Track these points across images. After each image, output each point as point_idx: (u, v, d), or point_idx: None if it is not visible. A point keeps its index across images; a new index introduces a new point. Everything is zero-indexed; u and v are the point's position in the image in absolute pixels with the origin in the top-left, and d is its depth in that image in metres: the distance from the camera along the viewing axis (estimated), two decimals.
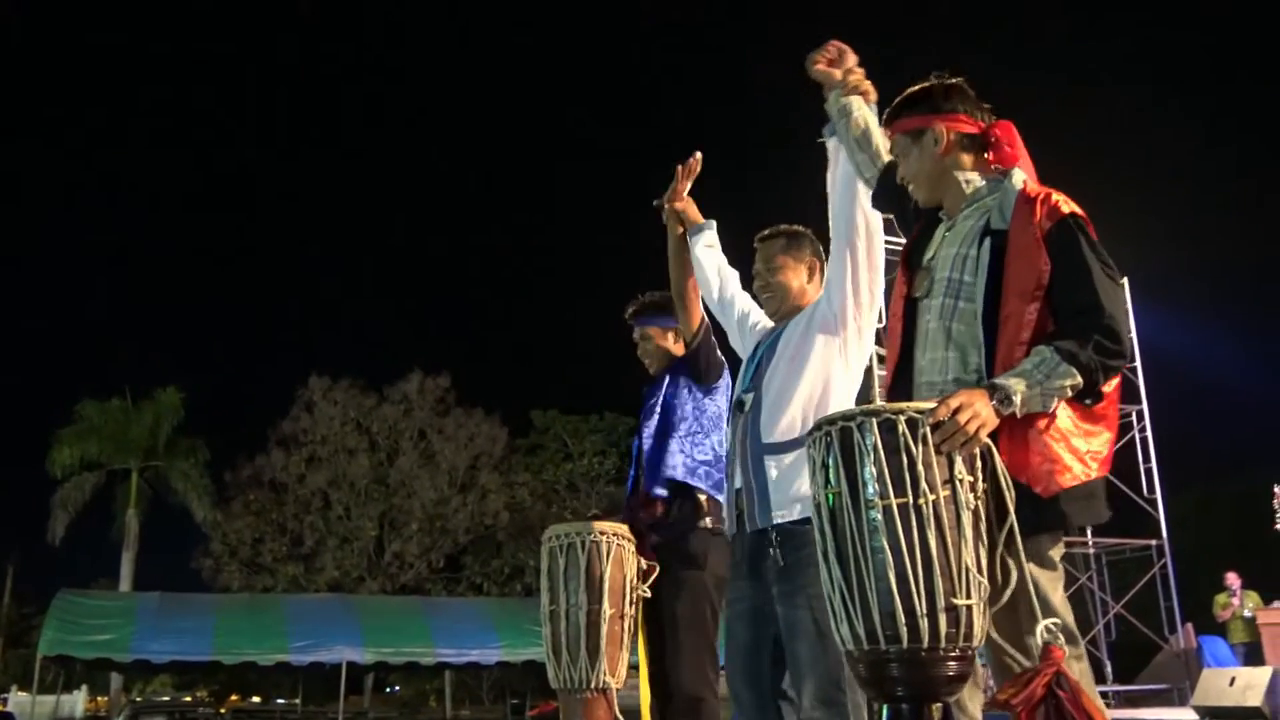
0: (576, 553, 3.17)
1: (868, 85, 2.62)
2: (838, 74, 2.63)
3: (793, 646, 2.52)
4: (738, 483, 2.73)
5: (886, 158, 2.54)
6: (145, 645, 13.04)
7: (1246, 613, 12.16)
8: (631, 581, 3.21)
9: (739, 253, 3.25)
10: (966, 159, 2.25)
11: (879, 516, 1.77)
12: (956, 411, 1.79)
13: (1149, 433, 13.86)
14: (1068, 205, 2.06)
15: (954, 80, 2.27)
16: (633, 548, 3.24)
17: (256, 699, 34.33)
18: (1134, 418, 13.83)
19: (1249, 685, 8.26)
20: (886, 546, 1.75)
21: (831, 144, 2.74)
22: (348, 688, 15.38)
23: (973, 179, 2.24)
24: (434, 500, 24.31)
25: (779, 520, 2.57)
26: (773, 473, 2.62)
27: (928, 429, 1.78)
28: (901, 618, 1.74)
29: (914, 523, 1.75)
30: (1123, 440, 13.61)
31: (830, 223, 2.78)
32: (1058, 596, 1.99)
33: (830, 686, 2.43)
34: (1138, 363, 13.78)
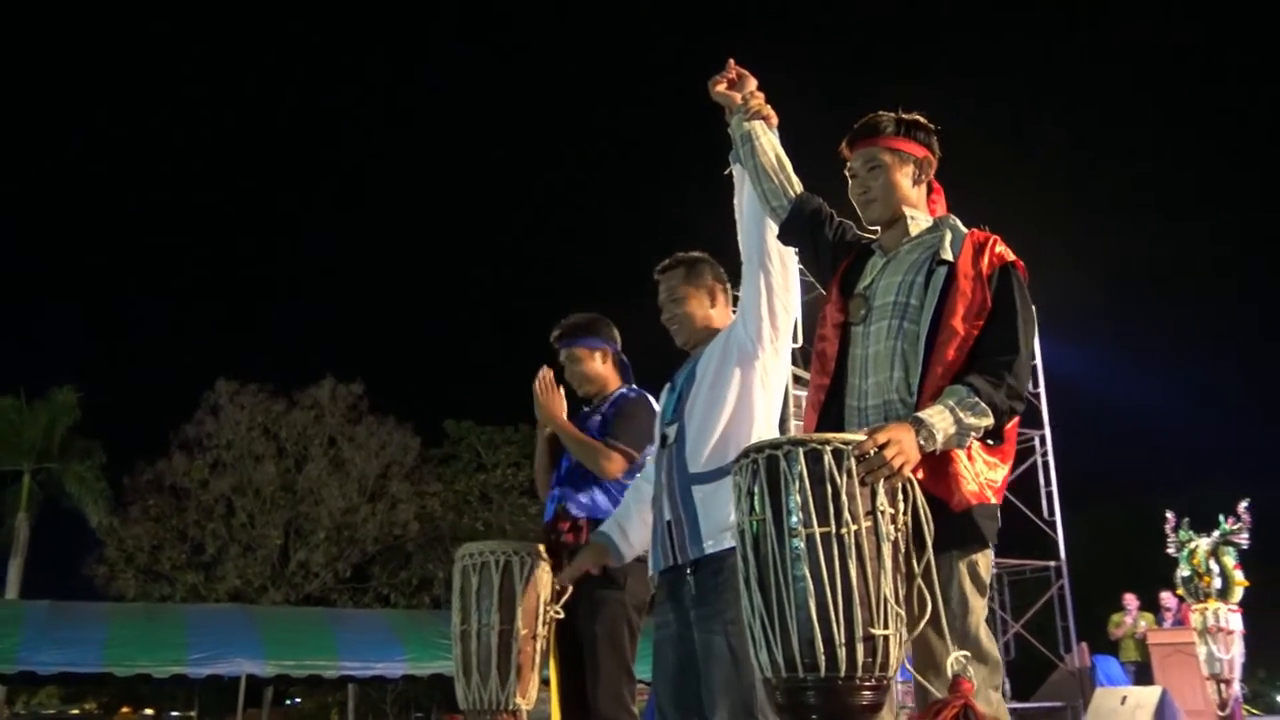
0: (490, 571, 3.12)
1: (769, 110, 2.62)
2: (738, 97, 2.62)
3: (707, 671, 2.53)
4: (666, 515, 2.71)
5: (797, 187, 2.55)
6: (32, 656, 12.46)
7: (1135, 634, 12.61)
8: (546, 601, 3.18)
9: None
10: (922, 198, 2.35)
11: (802, 545, 1.79)
12: (884, 446, 1.82)
13: (1050, 457, 14.28)
14: (1010, 254, 2.18)
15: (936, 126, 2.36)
16: (548, 567, 3.21)
17: (149, 711, 33.17)
18: (1036, 442, 14.24)
19: (1139, 704, 8.55)
20: (808, 575, 1.78)
21: (737, 170, 2.72)
22: (246, 700, 14.94)
23: (918, 216, 2.33)
24: (342, 509, 23.82)
25: (709, 550, 2.57)
26: (701, 503, 2.63)
27: (852, 460, 1.81)
28: (820, 646, 1.76)
29: (836, 552, 1.77)
30: (1025, 464, 14.03)
31: (741, 248, 2.77)
32: (984, 629, 2.06)
33: (743, 713, 2.44)
34: (1041, 388, 14.20)
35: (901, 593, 1.83)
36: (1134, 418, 28.81)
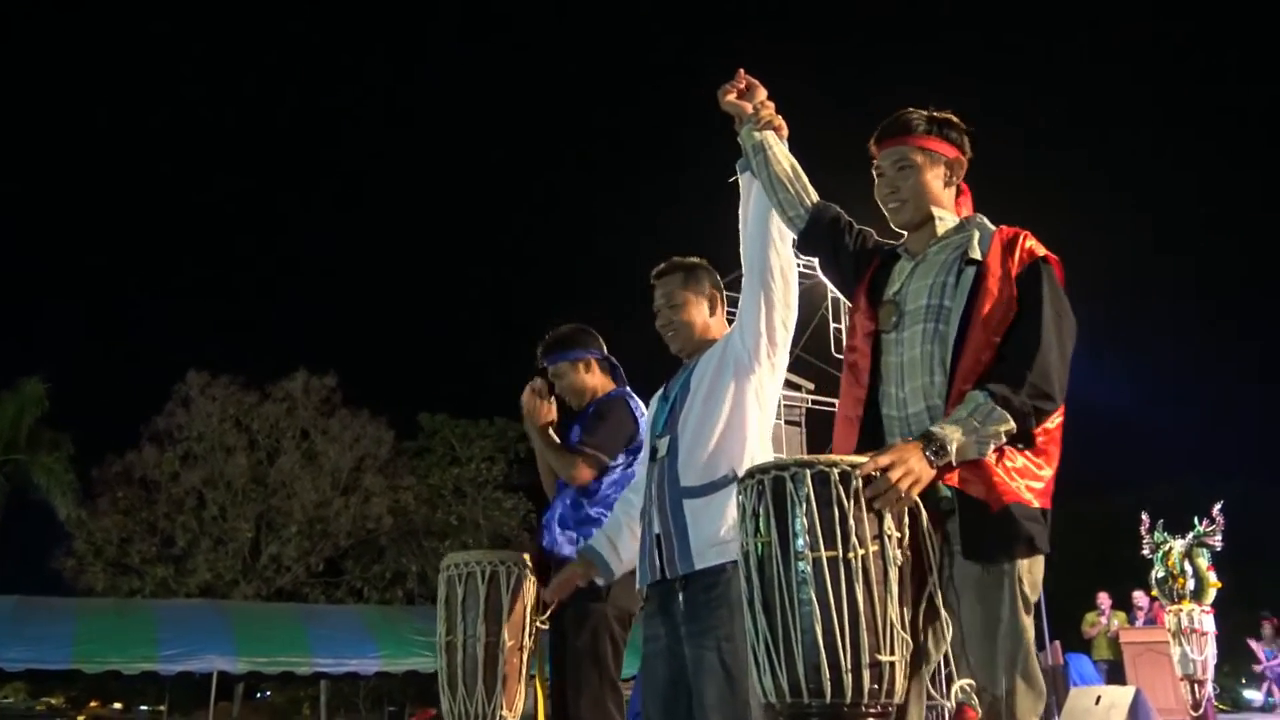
0: (477, 582, 3.09)
1: (779, 120, 2.57)
2: (748, 106, 2.56)
3: (699, 687, 2.49)
4: (656, 528, 2.66)
5: (813, 196, 2.51)
6: None
7: (1109, 633, 12.72)
8: (531, 612, 3.14)
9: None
10: (951, 198, 2.28)
11: (808, 569, 1.75)
12: (888, 469, 1.78)
13: None
14: (1041, 249, 2.10)
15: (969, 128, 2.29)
16: (534, 578, 3.17)
17: (118, 705, 32.84)
18: None
19: (1114, 704, 8.59)
20: (814, 599, 1.74)
21: (744, 179, 2.66)
22: (216, 694, 14.80)
23: (946, 217, 2.26)
24: (315, 502, 23.65)
25: (700, 566, 2.52)
26: (692, 517, 2.57)
27: (859, 483, 1.77)
28: (826, 672, 1.73)
29: (843, 577, 1.74)
30: None
31: (743, 259, 2.72)
32: (1027, 636, 1.98)
33: None
34: None
35: (908, 618, 1.80)
36: (1107, 415, 29.06)
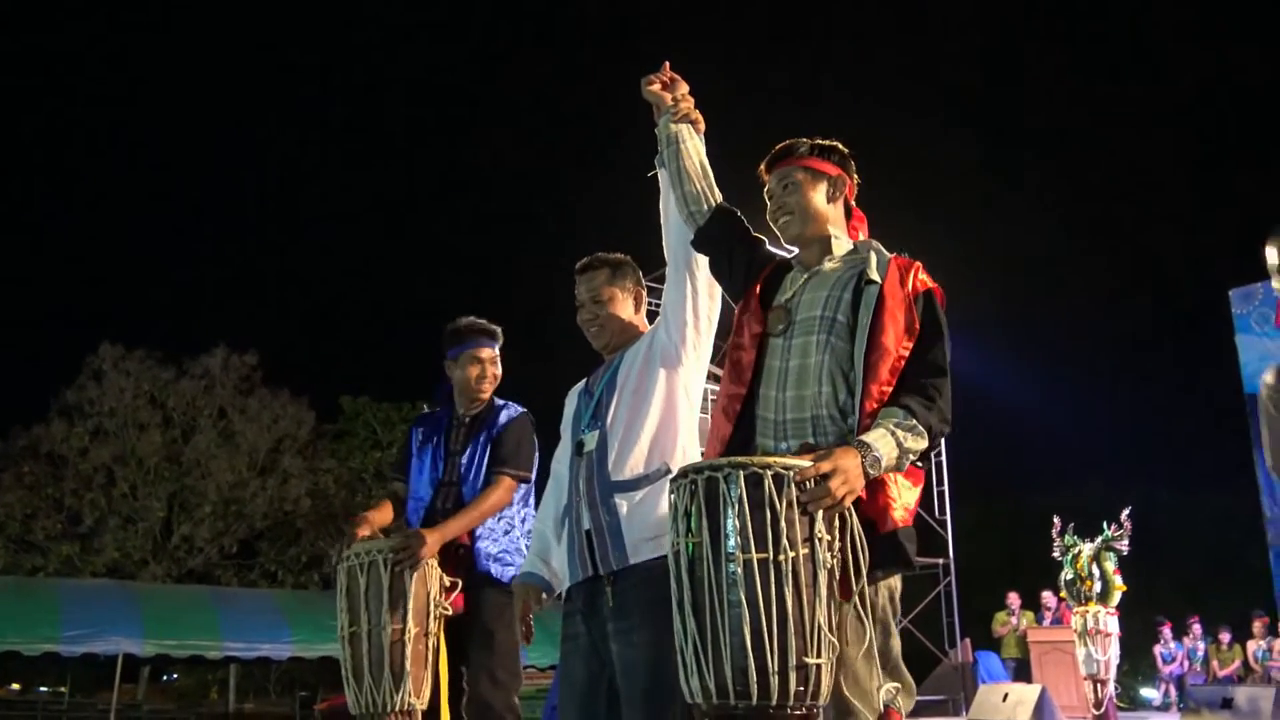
0: (379, 570, 3.07)
1: (697, 114, 2.63)
2: (669, 98, 2.62)
3: (626, 685, 2.47)
4: (586, 524, 2.62)
5: (717, 196, 2.57)
6: None
7: (1017, 631, 13.08)
8: (435, 598, 3.14)
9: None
10: (840, 218, 2.39)
11: (739, 570, 1.75)
12: (828, 476, 1.79)
13: (944, 458, 14.67)
14: (930, 281, 2.23)
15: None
16: (435, 563, 3.18)
17: (15, 686, 31.83)
18: None
19: (1020, 701, 8.85)
20: (744, 601, 1.74)
21: (663, 174, 2.68)
22: (122, 675, 14.41)
23: (841, 237, 2.37)
24: (230, 483, 23.13)
25: (634, 560, 2.50)
26: (624, 511, 2.55)
27: (793, 486, 1.78)
28: (753, 674, 1.73)
29: (772, 579, 1.74)
30: None
31: (666, 252, 2.73)
32: (896, 643, 2.09)
33: None
34: None
35: (835, 621, 1.81)
36: (1016, 417, 29.82)
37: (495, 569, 3.35)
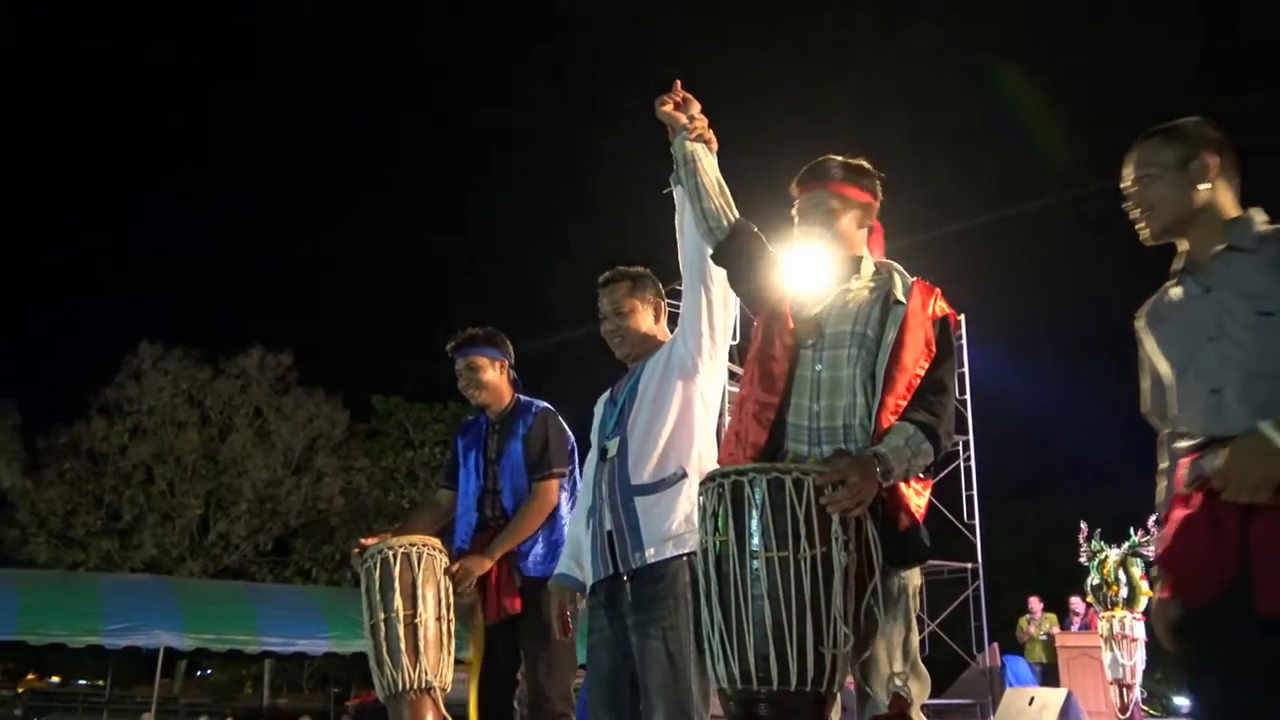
0: (390, 565, 3.38)
1: (710, 134, 2.69)
2: (683, 118, 2.67)
3: (645, 675, 2.64)
4: (608, 525, 2.80)
5: (735, 213, 2.64)
6: None
7: (1043, 635, 13.08)
8: (445, 586, 3.42)
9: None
10: (863, 238, 2.52)
11: (761, 567, 1.91)
12: (845, 482, 1.95)
13: (973, 462, 14.71)
14: (948, 307, 2.39)
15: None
16: (442, 556, 3.45)
17: (55, 679, 32.42)
18: (960, 447, 14.66)
19: (1046, 705, 8.90)
20: (765, 595, 1.90)
21: (678, 192, 2.78)
22: (160, 669, 14.73)
23: (867, 257, 2.50)
24: (266, 481, 23.54)
25: (652, 560, 2.67)
26: (644, 513, 2.72)
27: (812, 490, 1.93)
28: (774, 661, 1.89)
29: (792, 575, 1.90)
30: (949, 468, 14.42)
31: (682, 266, 2.85)
32: (915, 636, 2.22)
33: (679, 714, 2.56)
34: (967, 395, 14.60)
35: (850, 614, 1.96)
36: (1047, 422, 29.72)
37: (544, 568, 3.52)
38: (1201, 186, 2.04)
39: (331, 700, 22.99)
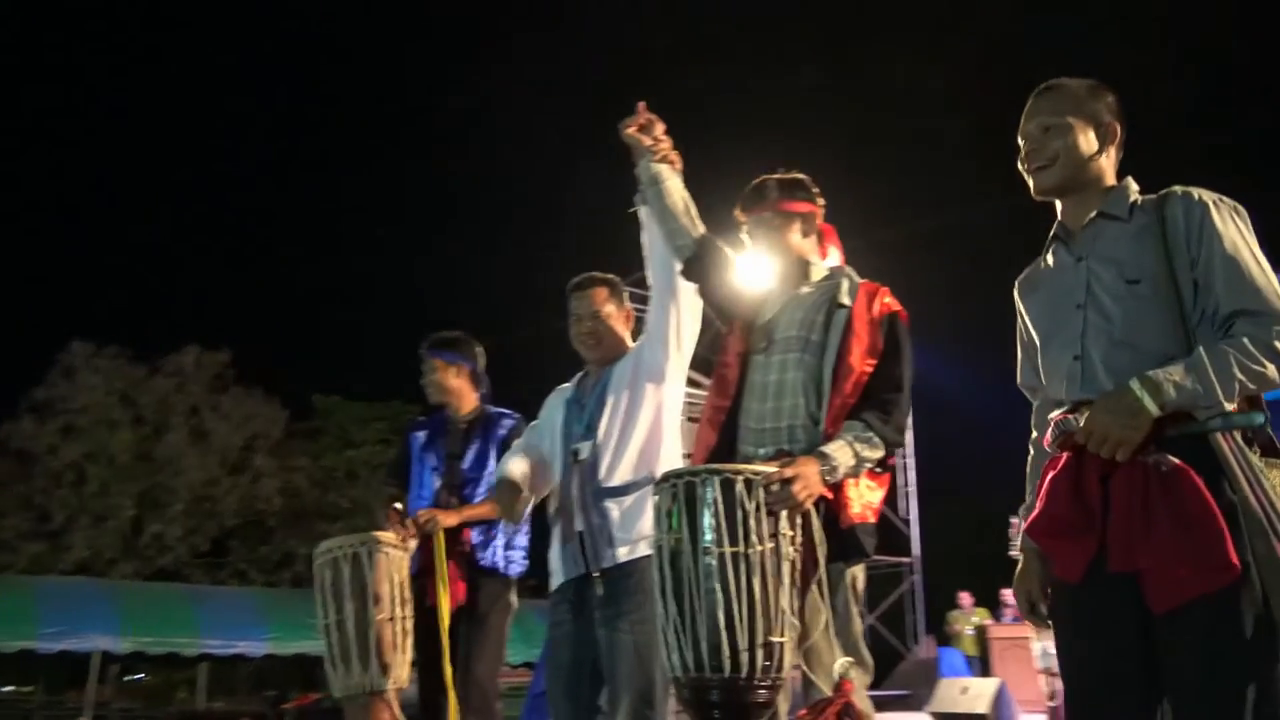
0: (342, 565, 3.37)
1: (675, 155, 2.79)
2: (647, 140, 2.75)
3: (613, 666, 2.75)
4: (578, 526, 2.90)
5: (701, 229, 2.77)
6: None
7: (970, 629, 13.46)
8: (402, 585, 3.43)
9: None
10: (814, 245, 2.65)
11: (714, 562, 2.03)
12: (791, 481, 2.08)
13: (910, 458, 15.04)
14: (896, 304, 2.49)
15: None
16: (401, 555, 3.46)
17: None
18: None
19: (978, 694, 9.18)
20: (718, 588, 2.02)
21: (644, 212, 2.87)
22: (91, 674, 14.47)
23: (817, 263, 2.64)
24: (202, 481, 23.16)
25: (623, 560, 2.79)
26: (615, 514, 2.84)
27: (761, 490, 2.06)
28: (725, 651, 2.01)
29: (743, 569, 2.03)
30: None
31: (650, 279, 2.96)
32: (856, 626, 2.35)
33: (643, 704, 2.68)
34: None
35: (797, 605, 2.10)
36: (981, 416, 30.31)
37: (495, 562, 3.64)
38: (1106, 150, 2.02)
39: (269, 704, 22.73)
